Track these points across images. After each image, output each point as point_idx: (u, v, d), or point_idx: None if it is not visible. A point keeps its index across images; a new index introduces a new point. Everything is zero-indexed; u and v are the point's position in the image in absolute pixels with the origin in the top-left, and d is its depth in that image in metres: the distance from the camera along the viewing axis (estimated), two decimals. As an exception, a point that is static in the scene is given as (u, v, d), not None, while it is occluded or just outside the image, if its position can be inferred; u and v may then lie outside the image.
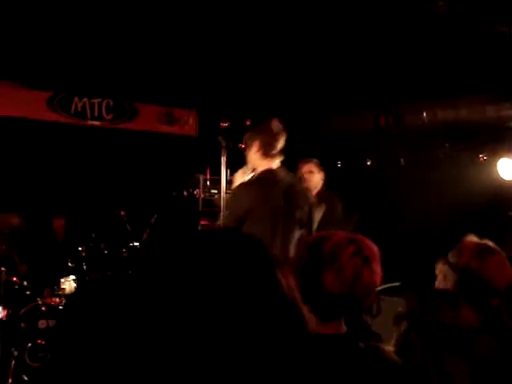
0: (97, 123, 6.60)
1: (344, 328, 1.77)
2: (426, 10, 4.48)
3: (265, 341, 0.73)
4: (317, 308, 1.68)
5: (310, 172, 5.10)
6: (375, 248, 1.81)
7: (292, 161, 5.48)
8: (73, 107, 6.39)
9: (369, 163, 6.87)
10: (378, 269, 1.79)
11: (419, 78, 5.81)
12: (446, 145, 6.64)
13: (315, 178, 5.10)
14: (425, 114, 6.37)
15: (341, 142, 7.01)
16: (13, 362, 4.85)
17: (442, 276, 2.30)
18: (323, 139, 7.08)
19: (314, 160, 5.22)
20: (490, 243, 2.34)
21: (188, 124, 6.79)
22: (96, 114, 6.56)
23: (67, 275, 5.46)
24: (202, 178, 6.99)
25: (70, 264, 5.74)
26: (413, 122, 6.39)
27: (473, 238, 2.45)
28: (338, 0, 4.47)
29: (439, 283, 2.32)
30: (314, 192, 4.83)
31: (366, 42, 5.21)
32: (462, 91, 5.89)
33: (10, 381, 4.75)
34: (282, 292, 0.78)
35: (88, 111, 6.54)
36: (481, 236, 2.39)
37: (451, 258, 2.29)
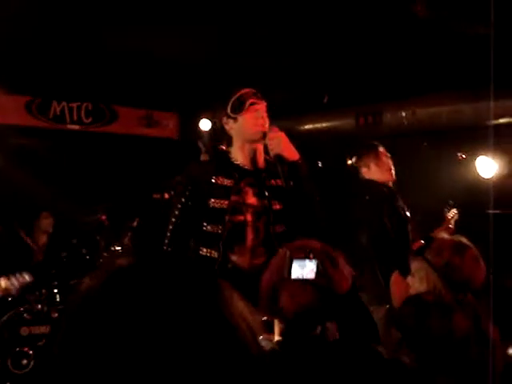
0: (76, 127, 6.54)
1: None
2: (405, 12, 4.51)
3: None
4: None
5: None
6: None
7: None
8: (51, 111, 6.34)
9: (349, 162, 6.85)
10: None
11: (398, 77, 5.84)
12: (425, 144, 6.67)
13: None
14: (404, 114, 6.41)
15: (320, 142, 7.01)
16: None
17: (421, 275, 2.24)
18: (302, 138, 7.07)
19: None
20: (464, 239, 2.32)
21: (168, 127, 6.76)
22: (75, 117, 6.51)
23: (49, 282, 5.42)
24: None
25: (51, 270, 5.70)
26: (392, 121, 6.43)
27: (444, 235, 2.44)
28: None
29: (417, 283, 2.26)
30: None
31: (345, 40, 5.22)
32: (440, 90, 5.94)
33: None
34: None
35: (67, 115, 6.49)
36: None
37: (430, 256, 2.25)
